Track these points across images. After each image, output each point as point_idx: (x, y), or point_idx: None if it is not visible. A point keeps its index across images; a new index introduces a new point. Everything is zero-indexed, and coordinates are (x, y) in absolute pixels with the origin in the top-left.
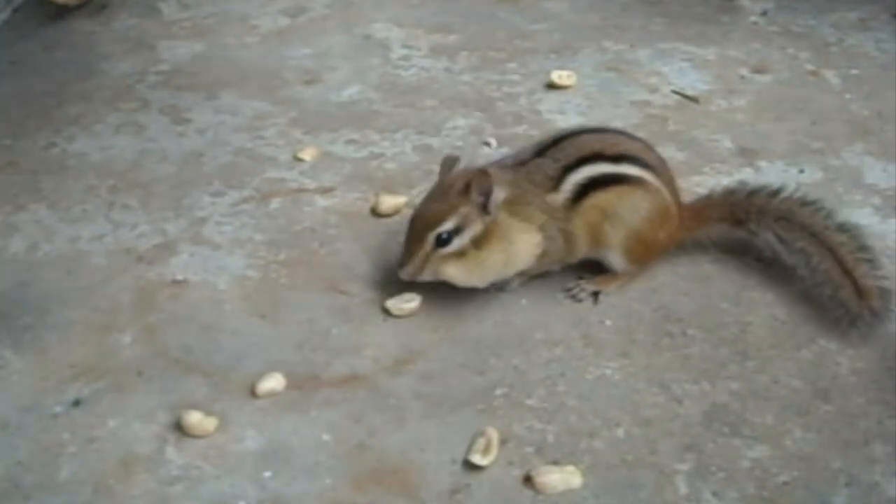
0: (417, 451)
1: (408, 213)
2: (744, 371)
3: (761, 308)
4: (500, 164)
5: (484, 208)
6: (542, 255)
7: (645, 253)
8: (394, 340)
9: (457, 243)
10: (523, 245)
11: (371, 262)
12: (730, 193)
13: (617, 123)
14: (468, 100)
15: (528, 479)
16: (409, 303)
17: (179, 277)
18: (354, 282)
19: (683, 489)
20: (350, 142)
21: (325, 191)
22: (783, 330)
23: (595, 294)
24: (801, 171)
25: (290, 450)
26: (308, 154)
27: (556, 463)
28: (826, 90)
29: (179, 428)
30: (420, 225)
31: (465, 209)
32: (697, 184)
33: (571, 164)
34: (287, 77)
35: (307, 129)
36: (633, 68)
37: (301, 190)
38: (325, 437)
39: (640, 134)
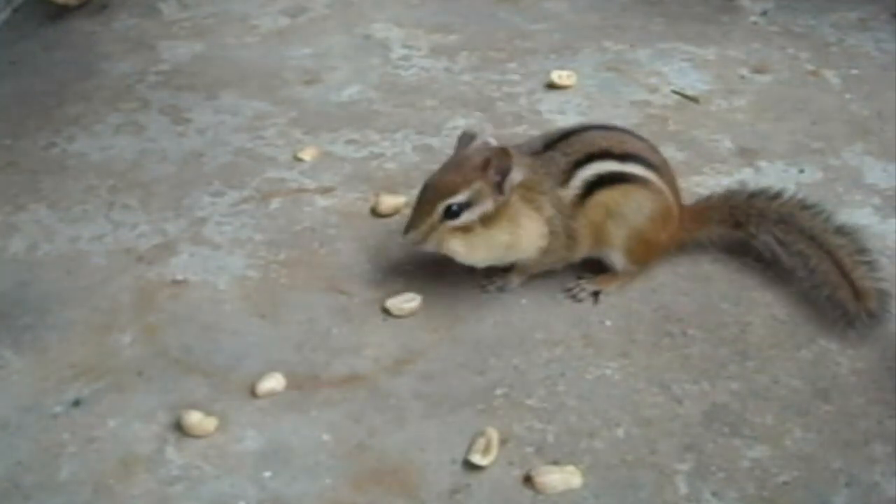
0: (417, 451)
1: (408, 212)
2: (744, 371)
3: (761, 308)
4: (520, 148)
5: (499, 187)
6: (546, 251)
7: (646, 253)
8: (394, 340)
9: (465, 217)
10: (529, 232)
11: (371, 262)
12: (730, 196)
13: (617, 123)
14: (468, 100)
15: (528, 479)
16: (409, 303)
17: (179, 277)
18: (354, 282)
19: (683, 489)
20: (350, 142)
21: (325, 191)
22: (783, 330)
23: (595, 294)
24: (801, 171)
25: (290, 450)
26: (308, 154)
27: (556, 463)
28: (826, 90)
29: (179, 428)
30: (432, 194)
31: (479, 184)
32: (697, 184)
33: (581, 159)
34: (287, 77)
35: (307, 129)
36: (633, 68)
37: (301, 190)
38: (325, 437)
39: (641, 134)
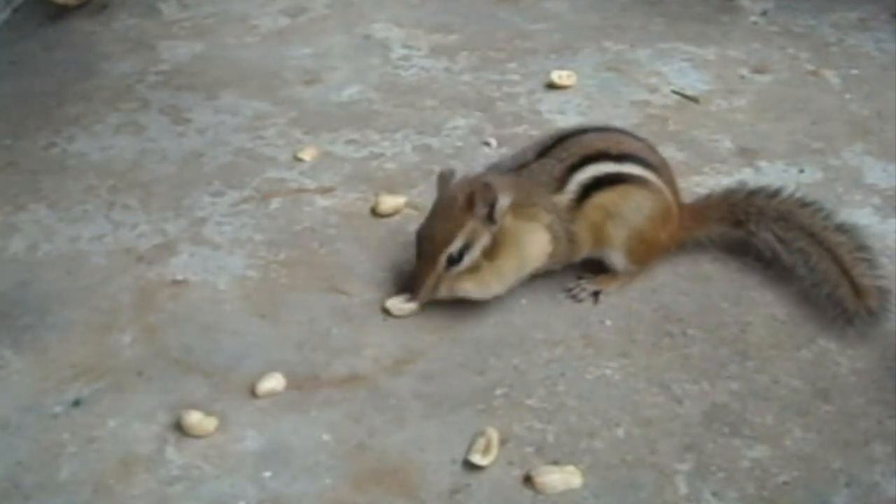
0: (417, 451)
1: (408, 212)
2: (744, 371)
3: (761, 308)
4: (499, 167)
5: (490, 218)
6: (550, 256)
7: (646, 253)
8: (394, 340)
9: (468, 260)
10: (534, 245)
11: (371, 262)
12: (729, 194)
13: (617, 123)
14: (468, 100)
15: (528, 479)
16: (409, 303)
17: (179, 277)
18: (354, 282)
19: (683, 489)
20: (350, 142)
21: (325, 191)
22: (783, 330)
23: (595, 294)
24: (801, 171)
25: (290, 450)
26: (308, 154)
27: (556, 463)
28: (826, 90)
29: (179, 428)
30: (429, 246)
31: (471, 224)
32: (697, 184)
33: (577, 163)
34: (287, 77)
35: (307, 129)
36: (633, 68)
37: (301, 190)
38: (325, 437)
39: (640, 134)
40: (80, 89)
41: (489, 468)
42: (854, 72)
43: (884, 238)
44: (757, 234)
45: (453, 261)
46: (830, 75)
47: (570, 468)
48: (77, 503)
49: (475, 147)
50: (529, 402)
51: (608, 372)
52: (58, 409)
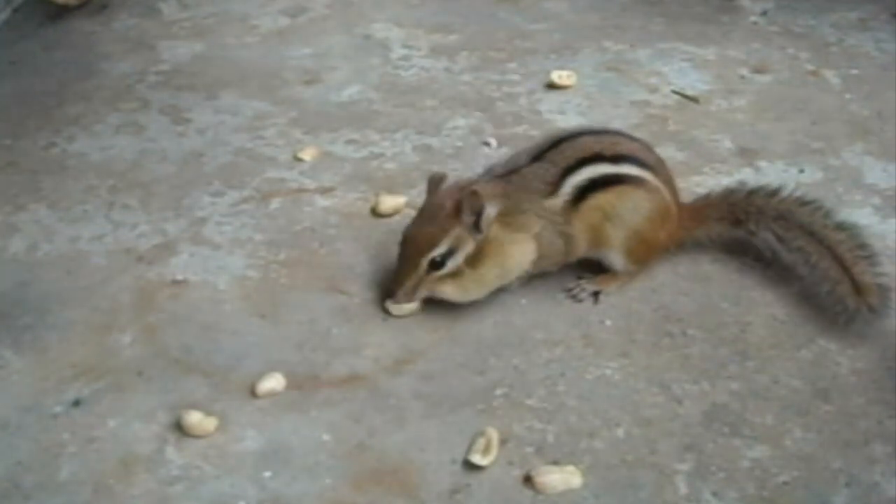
0: (417, 451)
1: (408, 212)
2: (744, 371)
3: (761, 308)
4: (491, 173)
5: (476, 227)
6: (540, 259)
7: (646, 252)
8: (394, 340)
9: (451, 265)
10: (517, 256)
11: (371, 262)
12: (728, 193)
13: (617, 123)
14: (468, 100)
15: (528, 479)
16: (409, 303)
17: (179, 277)
18: (354, 282)
19: (683, 489)
20: (350, 142)
21: (325, 191)
22: (783, 330)
23: (595, 294)
24: (801, 171)
25: (290, 450)
26: (308, 154)
27: (556, 463)
28: (826, 90)
29: (179, 428)
30: (413, 249)
31: (456, 230)
32: (697, 184)
33: (571, 166)
34: (287, 77)
35: (307, 129)
36: (633, 68)
37: (301, 190)
38: (325, 437)
39: (640, 134)
40: (80, 89)
41: (489, 468)
42: (854, 72)
43: (884, 238)
44: (756, 234)
45: (436, 265)
46: (830, 75)
47: (570, 468)
48: (77, 503)
49: (475, 147)
50: (529, 402)
51: (608, 372)
52: (58, 409)
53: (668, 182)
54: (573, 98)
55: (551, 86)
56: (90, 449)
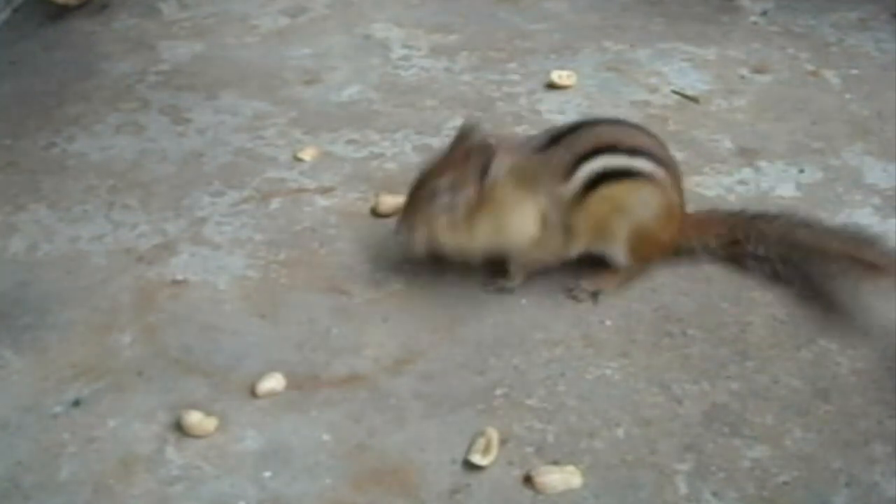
0: (417, 451)
1: None
2: (744, 371)
3: (761, 308)
4: (520, 143)
5: (481, 178)
6: (538, 242)
7: (648, 250)
8: (394, 340)
9: (447, 200)
10: (516, 223)
11: (371, 262)
12: (731, 214)
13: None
14: (468, 100)
15: (528, 479)
16: (410, 238)
17: (179, 277)
18: (354, 282)
19: (683, 489)
20: (350, 142)
21: (325, 191)
22: (783, 330)
23: (594, 294)
24: (801, 171)
25: (290, 450)
26: (308, 154)
27: (556, 463)
28: (826, 90)
29: (179, 428)
30: (418, 182)
31: (461, 171)
32: (697, 184)
33: (587, 153)
34: (287, 77)
35: (307, 129)
36: (633, 68)
37: (301, 190)
38: (325, 437)
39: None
40: (80, 89)
41: (489, 468)
42: (854, 72)
43: (884, 238)
44: (756, 253)
45: (434, 196)
46: (830, 75)
47: (570, 468)
48: (77, 503)
49: None
50: (529, 402)
51: (608, 372)
52: (58, 409)
53: (678, 184)
54: (573, 98)
55: (551, 86)
56: (90, 449)
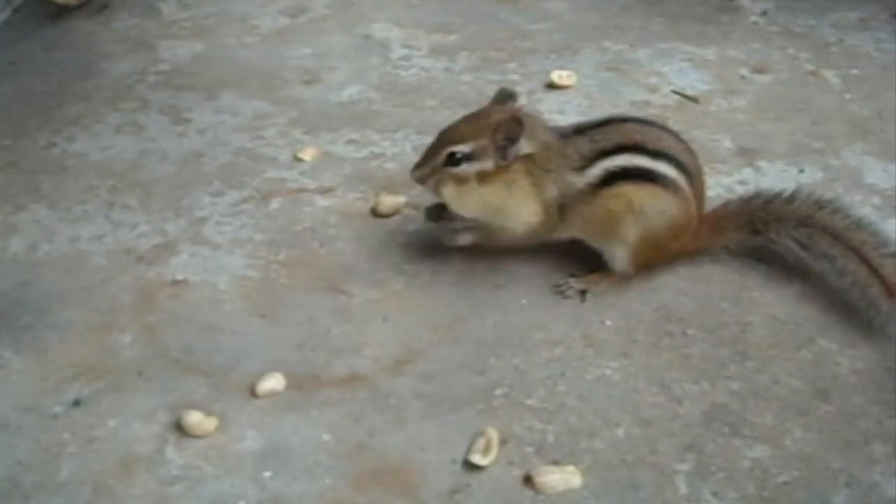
0: (417, 451)
1: (408, 212)
2: (744, 371)
3: (761, 308)
4: (547, 129)
5: (503, 151)
6: (525, 232)
7: (652, 258)
8: (394, 340)
9: (464, 168)
10: (519, 204)
11: (371, 262)
12: (746, 202)
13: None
14: (468, 100)
15: (528, 479)
16: (423, 184)
17: (179, 277)
18: (354, 282)
19: (683, 489)
20: (350, 142)
21: (325, 191)
22: (783, 330)
23: (583, 293)
24: (801, 171)
25: (290, 450)
26: (308, 154)
27: (556, 463)
28: (826, 90)
29: (179, 428)
30: (442, 138)
31: (484, 142)
32: None
33: (609, 149)
34: (287, 77)
35: (307, 129)
36: (633, 68)
37: (301, 190)
38: (325, 437)
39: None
40: (80, 89)
41: (489, 468)
42: (854, 72)
43: None
44: (778, 242)
45: (453, 160)
46: (830, 75)
47: (570, 468)
48: (77, 503)
49: None
50: (529, 402)
51: (608, 372)
52: (58, 409)
53: (700, 193)
54: (573, 98)
55: (551, 86)
56: (90, 449)
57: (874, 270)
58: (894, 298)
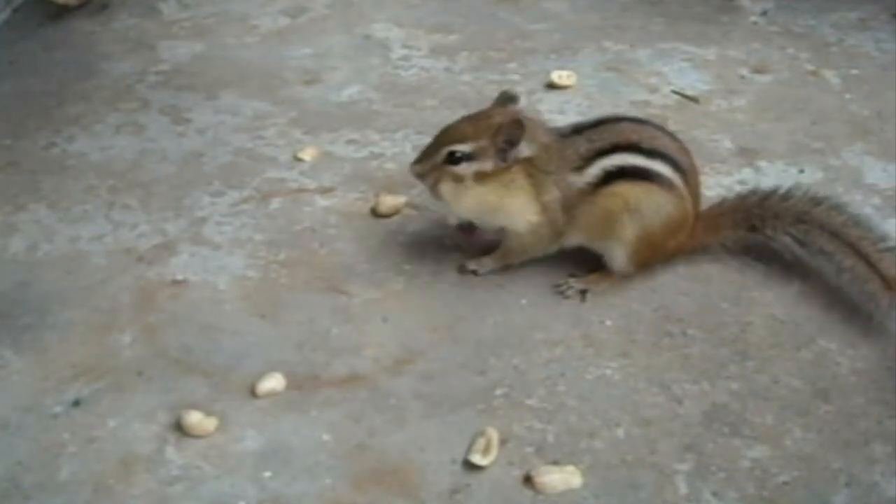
0: (417, 451)
1: (408, 212)
2: (744, 371)
3: (761, 308)
4: (547, 130)
5: (503, 153)
6: (534, 230)
7: (649, 257)
8: (394, 340)
9: (463, 167)
10: (517, 204)
11: (371, 262)
12: (742, 199)
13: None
14: (468, 100)
15: (528, 479)
16: (421, 179)
17: (179, 277)
18: (354, 282)
19: (683, 489)
20: (350, 142)
21: (325, 191)
22: (783, 330)
23: (583, 293)
24: (801, 171)
25: (290, 450)
26: (308, 154)
27: (556, 463)
28: (826, 90)
29: (179, 428)
30: (443, 137)
31: (484, 143)
32: None
33: (606, 149)
34: (287, 77)
35: (307, 129)
36: (633, 68)
37: (301, 190)
38: (325, 437)
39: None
40: (80, 89)
41: (489, 468)
42: (854, 72)
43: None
44: (775, 239)
45: (452, 159)
46: (830, 75)
47: (570, 468)
48: (77, 503)
49: None
50: (529, 402)
51: (608, 372)
52: (58, 409)
53: (695, 191)
54: (573, 98)
55: (551, 86)
56: (90, 449)
57: (872, 265)
58: (893, 292)
